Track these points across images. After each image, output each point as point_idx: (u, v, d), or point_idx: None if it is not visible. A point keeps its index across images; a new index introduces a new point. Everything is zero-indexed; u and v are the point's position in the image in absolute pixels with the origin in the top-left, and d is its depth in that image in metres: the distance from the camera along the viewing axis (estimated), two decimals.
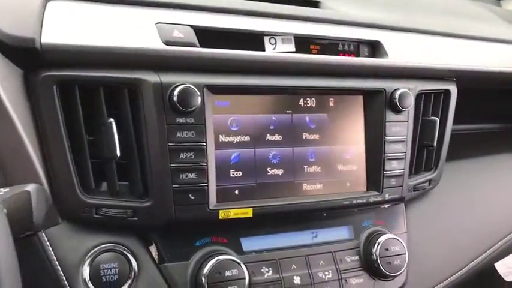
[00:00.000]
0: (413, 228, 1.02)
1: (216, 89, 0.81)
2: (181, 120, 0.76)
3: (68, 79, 0.72)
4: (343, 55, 0.96)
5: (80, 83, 0.73)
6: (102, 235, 0.77)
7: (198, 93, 0.76)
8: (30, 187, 0.57)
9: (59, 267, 0.73)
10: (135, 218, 0.76)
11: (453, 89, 1.06)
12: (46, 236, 0.74)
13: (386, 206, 0.98)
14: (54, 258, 0.74)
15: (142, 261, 0.78)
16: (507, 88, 1.18)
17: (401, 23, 1.04)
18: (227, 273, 0.77)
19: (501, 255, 1.13)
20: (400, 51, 0.99)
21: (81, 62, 0.73)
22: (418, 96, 1.00)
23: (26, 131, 0.70)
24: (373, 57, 0.98)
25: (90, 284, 0.74)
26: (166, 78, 0.75)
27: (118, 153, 0.74)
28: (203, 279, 0.76)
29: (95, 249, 0.76)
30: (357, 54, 0.97)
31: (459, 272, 1.04)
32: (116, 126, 0.75)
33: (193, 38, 0.80)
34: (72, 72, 0.72)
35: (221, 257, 0.79)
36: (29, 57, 0.70)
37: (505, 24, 1.30)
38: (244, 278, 0.79)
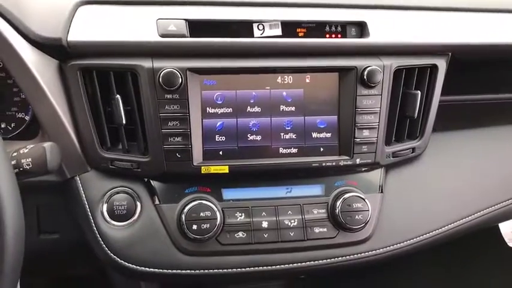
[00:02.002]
0: (392, 190, 1.15)
1: (202, 71, 1.02)
2: (168, 96, 0.99)
3: (88, 66, 0.99)
4: (330, 36, 1.10)
5: (96, 69, 1.00)
6: (116, 181, 1.05)
7: (180, 75, 0.97)
8: (46, 144, 0.85)
9: (86, 202, 1.03)
10: (139, 170, 1.03)
11: (441, 63, 1.13)
12: (80, 180, 1.05)
13: (362, 169, 1.13)
14: (84, 196, 1.04)
15: (145, 202, 1.05)
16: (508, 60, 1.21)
17: (390, 2, 1.14)
18: (201, 214, 1.01)
19: (479, 224, 1.20)
20: (384, 30, 1.10)
21: (98, 53, 0.99)
22: (399, 71, 1.10)
23: (60, 105, 0.99)
24: (360, 37, 1.10)
25: (106, 215, 1.04)
26: (158, 63, 0.98)
27: (124, 121, 1.00)
28: (183, 217, 1.02)
29: (111, 191, 1.04)
30: (344, 35, 1.10)
31: (432, 233, 1.15)
32: (123, 101, 1.01)
33: (184, 30, 1.02)
34: (91, 61, 0.99)
35: (199, 201, 1.03)
36: (59, 51, 0.97)
37: None
38: (216, 219, 1.02)
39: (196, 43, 1.01)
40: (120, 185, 1.05)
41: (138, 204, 1.05)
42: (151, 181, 1.06)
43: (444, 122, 1.19)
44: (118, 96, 1.00)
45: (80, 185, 1.04)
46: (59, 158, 0.88)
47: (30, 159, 0.83)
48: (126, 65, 0.99)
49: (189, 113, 1.00)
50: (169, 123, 1.00)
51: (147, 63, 0.98)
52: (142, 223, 1.04)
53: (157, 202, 1.05)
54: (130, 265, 1.02)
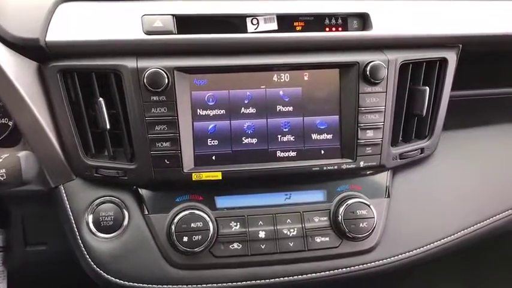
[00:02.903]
0: (399, 195, 1.08)
1: (191, 70, 0.95)
2: (154, 98, 0.92)
3: (69, 68, 0.93)
4: (330, 30, 1.02)
5: (77, 70, 0.93)
6: (103, 190, 0.99)
7: (167, 75, 0.91)
8: (21, 154, 0.79)
9: (70, 213, 0.97)
10: (126, 177, 0.97)
11: (451, 56, 1.05)
12: (64, 189, 0.98)
13: (366, 172, 1.05)
14: (68, 206, 0.98)
15: (132, 212, 0.99)
16: None
17: None
18: (192, 224, 0.95)
19: (496, 229, 1.12)
20: (388, 21, 1.03)
21: (79, 54, 0.93)
22: (405, 66, 1.02)
23: (40, 110, 0.93)
24: (363, 29, 1.02)
25: (91, 226, 0.98)
26: (142, 63, 0.92)
27: (108, 125, 0.94)
28: (173, 229, 0.95)
29: (96, 201, 0.98)
30: (345, 28, 1.03)
31: (443, 240, 1.07)
32: (108, 104, 0.94)
33: (171, 26, 0.95)
34: (72, 62, 0.93)
35: (190, 211, 0.96)
36: (38, 53, 0.91)
37: None
38: (208, 230, 0.95)
39: (184, 40, 0.94)
40: (106, 194, 0.99)
41: (126, 214, 0.99)
42: (139, 189, 1.00)
43: (456, 119, 1.11)
44: (101, 99, 0.93)
45: (64, 195, 0.98)
46: (36, 168, 0.82)
47: (4, 170, 0.78)
48: (108, 66, 0.93)
49: (177, 116, 0.94)
50: (157, 128, 0.93)
51: (130, 63, 0.92)
52: (130, 235, 0.98)
53: (146, 212, 0.99)
54: (117, 280, 0.96)
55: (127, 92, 0.92)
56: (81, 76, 0.94)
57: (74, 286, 1.25)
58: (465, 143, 1.16)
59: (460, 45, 1.07)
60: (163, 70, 0.91)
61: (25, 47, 0.90)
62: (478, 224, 1.10)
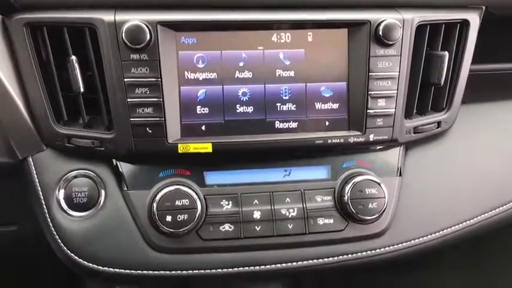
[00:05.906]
0: (413, 173, 0.99)
1: (177, 26, 0.84)
2: (135, 56, 0.82)
3: (36, 21, 0.83)
4: None
5: (47, 24, 0.83)
6: (76, 162, 0.90)
7: (149, 30, 0.80)
8: None
9: (39, 187, 0.87)
10: (102, 148, 0.87)
11: (474, 18, 0.95)
12: (32, 161, 0.88)
13: (376, 147, 0.95)
14: (36, 180, 0.88)
15: (110, 187, 0.90)
16: None
17: None
18: (177, 202, 0.85)
19: None
20: None
21: (49, 5, 0.83)
22: (422, 28, 0.91)
23: (4, 71, 0.83)
24: None
25: (63, 203, 0.88)
26: (121, 16, 0.82)
27: (82, 87, 0.83)
28: (154, 206, 0.86)
29: (69, 174, 0.89)
30: None
31: (460, 225, 0.97)
32: (83, 64, 0.84)
33: None
34: (40, 15, 0.83)
35: (175, 187, 0.87)
36: (1, 3, 0.79)
37: None
38: (195, 209, 0.86)
39: None
40: (80, 167, 0.90)
41: (102, 190, 0.90)
42: (118, 163, 0.90)
43: (475, 93, 1.00)
44: (74, 57, 0.83)
45: (33, 167, 0.89)
46: None
47: None
48: (82, 19, 0.82)
49: (161, 77, 0.83)
50: (137, 91, 0.83)
51: (107, 16, 0.81)
52: (106, 213, 0.89)
53: (124, 188, 0.90)
54: (90, 264, 0.87)
55: (103, 49, 0.82)
56: (51, 31, 0.83)
57: (48, 270, 1.15)
58: (486, 118, 1.07)
59: (484, 7, 0.96)
60: (145, 24, 0.80)
61: None
62: (500, 208, 1.01)
